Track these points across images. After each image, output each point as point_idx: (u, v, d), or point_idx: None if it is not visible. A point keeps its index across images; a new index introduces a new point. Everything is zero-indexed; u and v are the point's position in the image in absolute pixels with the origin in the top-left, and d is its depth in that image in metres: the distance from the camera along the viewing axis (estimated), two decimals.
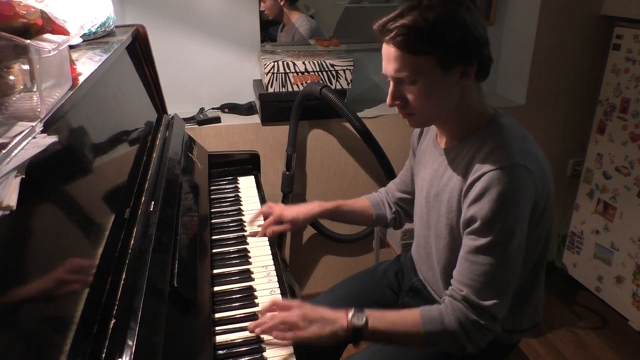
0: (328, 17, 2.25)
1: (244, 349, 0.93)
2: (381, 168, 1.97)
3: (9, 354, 0.53)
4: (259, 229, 1.31)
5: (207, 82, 2.06)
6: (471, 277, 0.94)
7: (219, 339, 0.95)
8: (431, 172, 1.10)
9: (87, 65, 1.01)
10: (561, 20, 2.09)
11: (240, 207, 1.44)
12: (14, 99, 0.69)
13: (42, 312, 0.62)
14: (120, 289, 0.78)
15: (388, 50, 0.95)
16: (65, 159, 0.82)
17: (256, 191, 1.54)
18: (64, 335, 0.64)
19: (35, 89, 0.69)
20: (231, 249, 1.24)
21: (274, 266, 1.18)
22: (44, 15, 0.75)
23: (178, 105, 1.97)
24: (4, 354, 0.52)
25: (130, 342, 0.69)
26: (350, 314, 0.96)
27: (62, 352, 0.62)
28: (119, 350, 0.68)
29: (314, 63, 1.90)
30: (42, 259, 0.65)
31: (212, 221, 1.35)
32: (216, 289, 1.08)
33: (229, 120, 1.99)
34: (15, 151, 0.57)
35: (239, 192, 1.53)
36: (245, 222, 1.36)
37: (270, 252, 1.23)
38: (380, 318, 0.97)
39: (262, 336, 0.95)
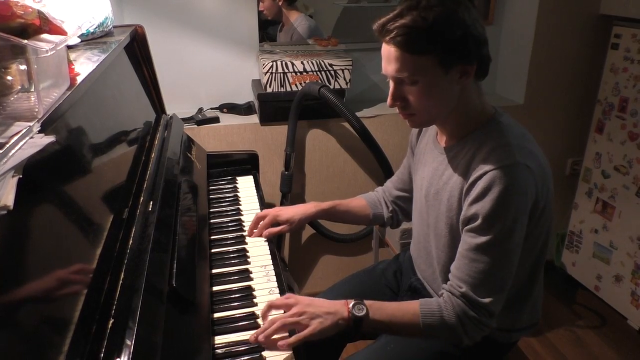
0: (327, 16, 2.25)
1: (243, 348, 0.93)
2: (380, 167, 1.97)
3: (8, 353, 0.53)
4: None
5: (206, 82, 2.06)
6: (470, 274, 0.95)
7: (218, 338, 0.95)
8: (431, 171, 1.11)
9: (85, 65, 1.01)
10: (560, 20, 2.09)
11: (239, 207, 1.44)
12: (12, 99, 0.69)
13: (41, 312, 0.62)
14: (119, 288, 0.78)
15: (388, 51, 0.95)
16: (63, 159, 0.81)
17: (255, 191, 1.54)
18: (62, 335, 0.64)
19: (32, 89, 0.69)
20: (230, 248, 1.24)
21: (272, 266, 1.18)
22: (41, 15, 0.75)
23: (177, 105, 1.97)
24: (3, 354, 0.52)
25: (128, 342, 0.69)
26: (351, 304, 0.97)
27: (61, 352, 0.62)
28: (118, 350, 0.67)
29: (312, 63, 1.90)
30: (40, 259, 0.65)
31: (211, 221, 1.35)
32: (215, 288, 1.08)
33: (228, 120, 1.99)
34: (13, 151, 0.57)
35: (238, 192, 1.53)
36: (244, 221, 1.36)
37: (269, 251, 1.23)
38: (380, 309, 0.98)
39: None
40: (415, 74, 0.93)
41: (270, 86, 1.90)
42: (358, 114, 1.90)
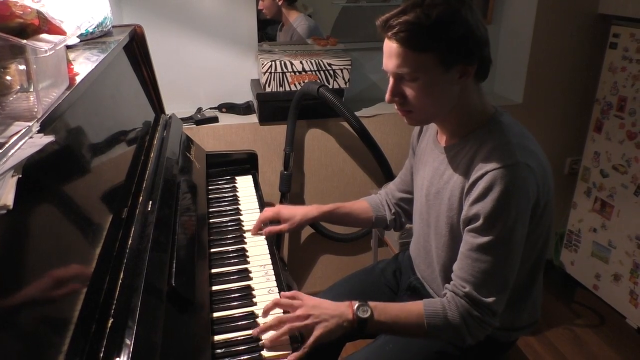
0: (325, 16, 2.25)
1: (242, 347, 0.93)
2: (379, 167, 1.97)
3: (7, 353, 0.53)
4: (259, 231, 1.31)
5: (205, 81, 2.06)
6: (472, 273, 0.95)
7: (217, 338, 0.95)
8: (431, 170, 1.11)
9: (84, 65, 1.01)
10: (558, 19, 2.09)
11: (238, 206, 1.44)
12: (11, 99, 0.69)
13: (40, 311, 0.62)
14: (118, 288, 0.78)
15: (390, 46, 0.95)
16: (62, 158, 0.81)
17: (254, 191, 1.54)
18: (62, 334, 0.64)
19: (32, 89, 0.69)
20: (229, 248, 1.24)
21: (271, 265, 1.18)
22: (40, 15, 0.75)
23: (176, 105, 1.97)
24: (3, 353, 0.52)
25: (128, 342, 0.69)
26: (355, 306, 0.97)
27: (60, 351, 0.62)
28: (117, 350, 0.68)
29: (311, 62, 1.90)
30: (40, 259, 0.65)
31: (210, 221, 1.35)
32: (214, 288, 1.08)
33: (227, 120, 1.99)
34: (12, 151, 0.57)
35: (237, 191, 1.53)
36: (243, 221, 1.36)
37: (268, 251, 1.24)
38: (384, 311, 0.98)
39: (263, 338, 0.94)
40: (416, 70, 0.94)
41: (269, 86, 1.91)
42: (357, 113, 1.90)
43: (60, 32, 0.80)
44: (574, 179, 2.30)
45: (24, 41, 0.66)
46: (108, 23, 1.36)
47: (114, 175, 1.03)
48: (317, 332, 0.93)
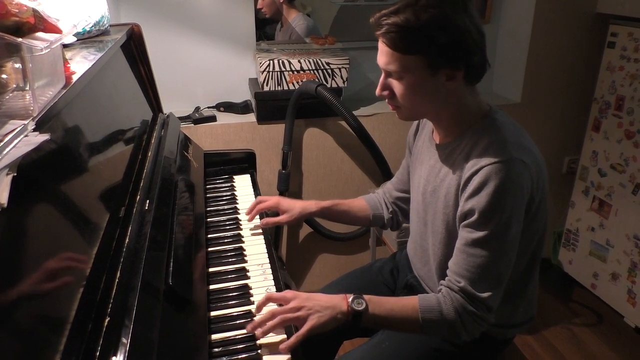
0: (324, 15, 2.24)
1: (240, 346, 0.93)
2: (377, 166, 1.98)
3: (4, 352, 0.53)
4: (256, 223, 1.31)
5: (203, 80, 2.06)
6: (467, 268, 0.95)
7: (215, 336, 0.95)
8: (428, 169, 1.11)
9: (81, 64, 1.01)
10: (556, 18, 2.09)
11: (236, 205, 1.44)
12: (7, 97, 0.69)
13: (37, 310, 0.62)
14: (115, 287, 0.78)
15: (381, 43, 0.96)
16: (59, 157, 0.81)
17: (252, 190, 1.54)
18: (58, 333, 0.64)
19: (27, 88, 0.69)
20: (227, 247, 1.24)
21: (269, 264, 1.18)
22: (36, 13, 0.75)
23: (173, 104, 1.97)
24: None
25: (124, 340, 0.69)
26: (350, 299, 0.97)
27: (57, 350, 0.62)
28: (114, 349, 0.67)
29: (309, 61, 1.90)
30: (36, 258, 0.65)
31: (208, 219, 1.35)
32: (212, 287, 1.08)
33: (225, 119, 1.99)
34: (7, 149, 0.56)
35: (235, 190, 1.53)
36: (241, 220, 1.36)
37: (266, 250, 1.24)
38: (379, 304, 0.98)
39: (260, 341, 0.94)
40: (402, 70, 0.95)
41: (267, 85, 1.90)
42: (355, 112, 1.90)
43: (57, 30, 0.80)
44: (572, 178, 2.30)
45: (20, 39, 0.65)
46: (105, 22, 1.36)
47: (111, 174, 1.02)
48: (310, 323, 0.93)
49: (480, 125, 1.01)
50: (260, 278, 1.13)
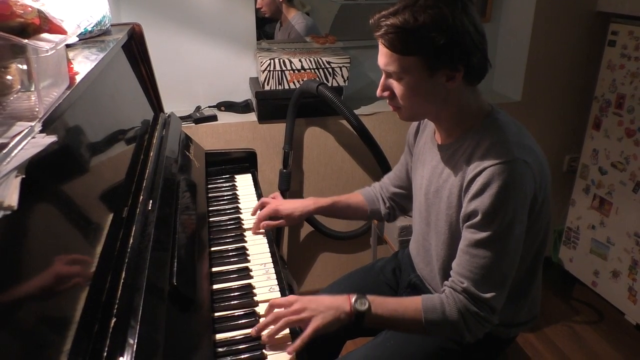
0: (324, 14, 2.24)
1: (244, 346, 0.93)
2: (378, 165, 1.97)
3: (11, 353, 0.53)
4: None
5: (204, 80, 2.06)
6: (471, 269, 0.95)
7: (219, 336, 0.95)
8: (430, 169, 1.11)
9: (83, 64, 1.01)
10: (557, 17, 2.09)
11: (238, 205, 1.44)
12: (12, 98, 0.69)
13: (43, 311, 0.62)
14: (120, 287, 0.78)
15: (380, 45, 0.97)
16: (63, 158, 0.81)
17: (253, 189, 1.54)
18: (65, 334, 0.64)
19: (33, 89, 0.69)
20: (229, 247, 1.24)
21: (272, 264, 1.18)
22: (41, 14, 0.74)
23: (174, 104, 1.96)
24: (6, 353, 0.52)
25: (131, 341, 0.69)
26: (353, 299, 0.97)
27: (63, 351, 0.62)
28: (120, 349, 0.68)
29: (310, 60, 1.90)
30: (43, 258, 0.65)
31: (210, 219, 1.35)
32: (215, 286, 1.08)
33: (226, 118, 1.99)
34: (15, 151, 0.56)
35: (237, 190, 1.53)
36: (243, 220, 1.36)
37: (268, 249, 1.24)
38: (382, 304, 0.98)
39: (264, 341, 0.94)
40: (401, 71, 0.95)
41: (268, 84, 1.90)
42: (356, 111, 1.90)
43: (61, 31, 0.79)
44: (572, 176, 2.30)
45: (25, 41, 0.65)
46: (107, 22, 1.35)
47: (114, 174, 1.02)
48: (314, 324, 0.93)
49: (482, 125, 1.01)
50: (263, 277, 1.13)
